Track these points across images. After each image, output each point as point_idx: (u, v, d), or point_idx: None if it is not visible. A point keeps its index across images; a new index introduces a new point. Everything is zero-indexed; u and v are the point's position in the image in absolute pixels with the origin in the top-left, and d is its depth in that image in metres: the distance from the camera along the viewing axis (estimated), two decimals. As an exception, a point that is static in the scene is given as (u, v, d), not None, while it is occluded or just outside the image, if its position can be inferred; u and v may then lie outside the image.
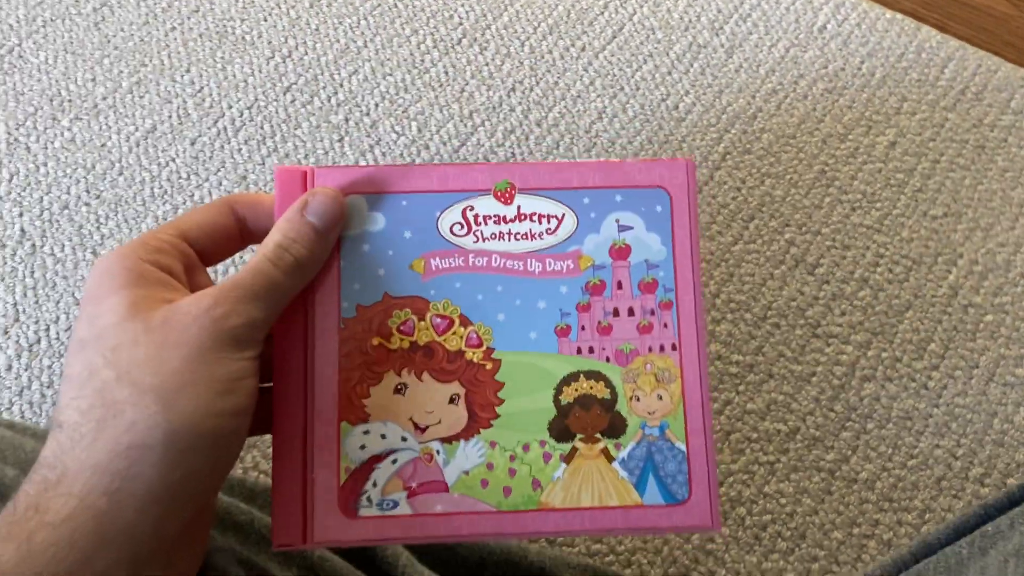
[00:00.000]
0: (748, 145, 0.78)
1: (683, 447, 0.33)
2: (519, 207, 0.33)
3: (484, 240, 0.33)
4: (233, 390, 0.29)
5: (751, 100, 0.81)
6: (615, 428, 0.33)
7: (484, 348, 0.33)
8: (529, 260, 0.33)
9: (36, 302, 0.68)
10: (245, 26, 0.83)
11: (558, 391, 0.33)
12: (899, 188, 0.76)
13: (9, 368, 0.65)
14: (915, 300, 0.71)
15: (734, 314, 0.70)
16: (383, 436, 0.32)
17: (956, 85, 0.82)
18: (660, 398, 0.33)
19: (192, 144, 0.76)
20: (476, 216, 0.33)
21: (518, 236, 0.33)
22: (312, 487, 0.32)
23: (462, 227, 0.33)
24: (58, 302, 0.68)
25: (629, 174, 0.33)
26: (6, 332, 0.67)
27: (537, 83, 0.81)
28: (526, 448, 0.32)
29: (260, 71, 0.80)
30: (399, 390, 0.32)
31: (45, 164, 0.74)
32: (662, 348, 0.33)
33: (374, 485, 0.32)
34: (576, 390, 0.33)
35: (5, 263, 0.69)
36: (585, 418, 0.33)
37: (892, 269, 0.72)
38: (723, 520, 0.62)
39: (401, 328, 0.33)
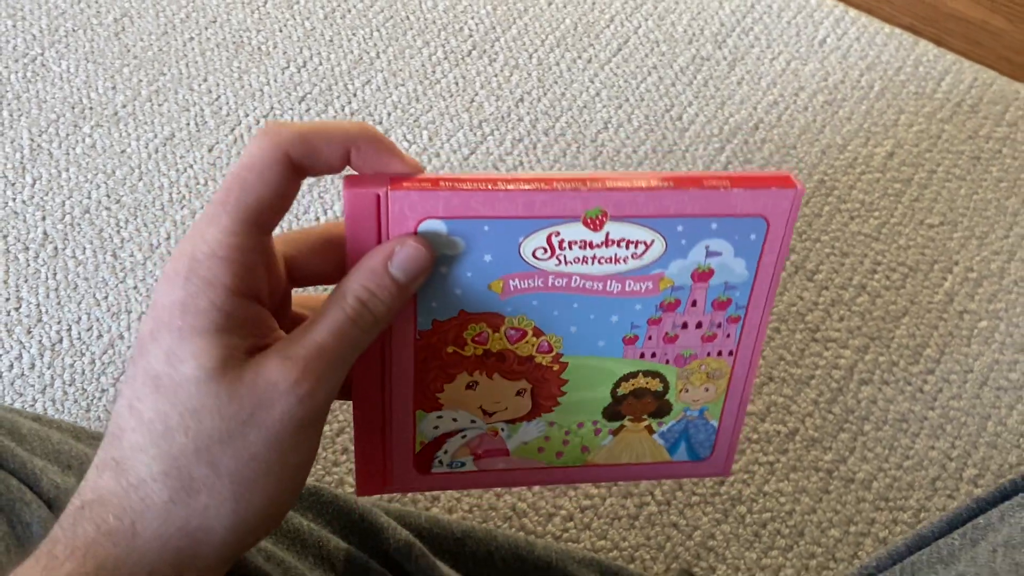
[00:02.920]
0: (750, 155, 0.80)
1: (715, 424, 0.36)
2: (608, 233, 0.32)
3: (567, 264, 0.32)
4: (301, 475, 0.29)
5: (752, 111, 0.83)
6: (661, 411, 0.36)
7: (553, 354, 0.34)
8: (609, 281, 0.32)
9: (58, 303, 0.70)
10: (261, 37, 0.85)
11: (616, 385, 0.35)
12: (896, 197, 0.78)
13: (32, 366, 0.67)
14: (911, 306, 0.73)
15: (735, 319, 0.72)
16: (454, 419, 0.35)
17: (952, 98, 0.84)
18: (707, 390, 0.36)
19: (209, 151, 0.78)
20: (561, 242, 0.31)
21: (602, 260, 0.32)
22: (391, 455, 0.35)
23: (545, 251, 0.32)
24: (79, 303, 0.70)
25: (732, 204, 0.31)
26: (29, 332, 0.69)
27: (545, 94, 0.83)
28: (580, 425, 0.36)
29: (276, 80, 0.83)
30: (471, 387, 0.34)
31: (67, 170, 0.77)
32: (720, 353, 0.35)
33: (445, 452, 0.36)
34: (633, 385, 0.35)
35: (28, 265, 0.72)
36: (636, 405, 0.36)
37: (889, 276, 0.74)
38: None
39: (475, 339, 0.33)
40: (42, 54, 0.83)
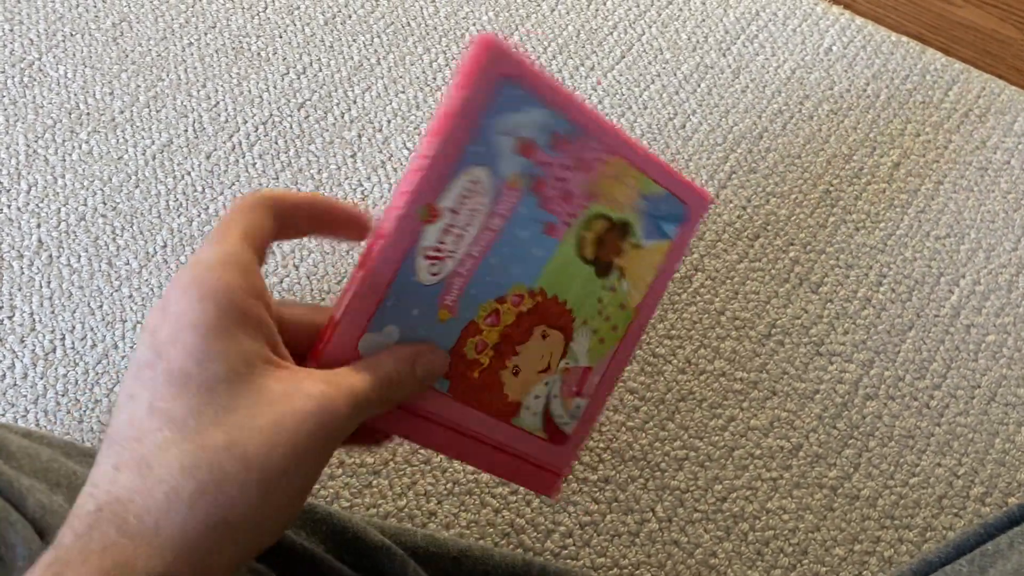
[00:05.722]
0: (754, 164, 0.79)
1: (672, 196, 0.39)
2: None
3: (456, 253, 0.33)
4: (308, 488, 0.30)
5: (757, 120, 0.82)
6: (625, 229, 0.38)
7: (525, 293, 0.35)
8: (488, 229, 0.33)
9: (52, 312, 0.69)
10: (260, 42, 0.85)
11: (579, 254, 0.36)
12: (903, 208, 0.77)
13: (25, 376, 0.66)
14: (918, 320, 0.72)
15: (739, 331, 0.71)
16: (536, 397, 0.38)
17: (960, 107, 0.83)
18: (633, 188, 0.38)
19: (207, 158, 0.77)
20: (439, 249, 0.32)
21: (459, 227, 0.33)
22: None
23: (432, 261, 0.32)
24: (74, 312, 0.69)
25: None
26: (23, 341, 0.68)
27: (546, 101, 0.82)
28: (600, 301, 0.38)
29: (275, 87, 0.82)
30: (516, 372, 0.37)
31: (63, 176, 0.76)
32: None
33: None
34: (585, 232, 0.36)
35: (22, 273, 0.71)
36: (608, 241, 0.37)
37: (895, 289, 0.73)
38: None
39: (478, 347, 0.35)
40: (39, 59, 0.82)
